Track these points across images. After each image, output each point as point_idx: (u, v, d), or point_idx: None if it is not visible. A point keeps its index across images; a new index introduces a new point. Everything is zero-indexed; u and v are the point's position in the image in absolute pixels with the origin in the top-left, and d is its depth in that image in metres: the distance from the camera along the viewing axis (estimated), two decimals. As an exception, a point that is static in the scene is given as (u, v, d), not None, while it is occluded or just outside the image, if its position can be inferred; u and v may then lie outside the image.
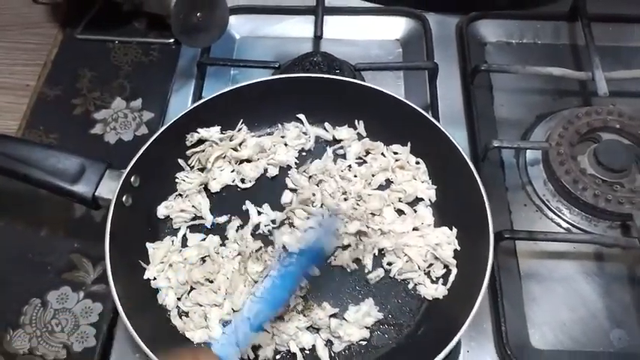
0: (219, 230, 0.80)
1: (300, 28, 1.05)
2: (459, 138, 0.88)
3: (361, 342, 0.72)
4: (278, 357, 0.72)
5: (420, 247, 0.77)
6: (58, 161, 0.74)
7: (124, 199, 0.74)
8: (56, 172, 0.73)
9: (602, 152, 0.86)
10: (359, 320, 0.72)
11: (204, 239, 0.79)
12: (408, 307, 0.75)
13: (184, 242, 0.79)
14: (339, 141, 0.87)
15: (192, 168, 0.84)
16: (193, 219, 0.81)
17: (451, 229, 0.78)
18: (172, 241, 0.78)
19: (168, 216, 0.81)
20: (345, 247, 0.78)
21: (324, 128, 0.88)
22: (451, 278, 0.75)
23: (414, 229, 0.79)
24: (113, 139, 0.95)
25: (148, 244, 0.76)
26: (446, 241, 0.77)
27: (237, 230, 0.80)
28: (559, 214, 0.86)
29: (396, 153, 0.85)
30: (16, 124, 0.96)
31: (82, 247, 0.84)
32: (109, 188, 0.73)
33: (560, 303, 0.80)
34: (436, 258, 0.77)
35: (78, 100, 0.99)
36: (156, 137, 0.78)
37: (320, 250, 0.70)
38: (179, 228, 0.81)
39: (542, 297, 0.80)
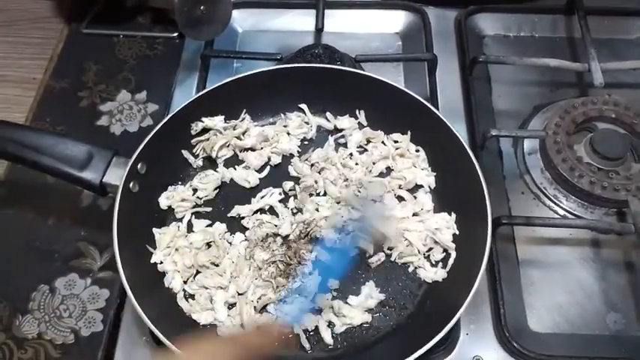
0: (225, 218, 0.82)
1: (302, 21, 1.07)
2: (458, 128, 0.89)
3: (363, 324, 0.74)
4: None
5: (420, 232, 0.78)
6: (67, 148, 0.75)
7: (130, 185, 0.76)
8: (64, 159, 0.75)
9: (598, 141, 0.88)
10: (362, 303, 0.74)
11: (210, 225, 0.81)
12: (408, 289, 0.77)
13: (190, 228, 0.81)
14: (341, 130, 0.89)
15: (196, 157, 0.86)
16: (195, 206, 0.83)
17: (450, 215, 0.80)
18: (178, 227, 0.80)
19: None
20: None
21: (326, 118, 0.90)
22: (450, 261, 0.77)
23: (414, 214, 0.81)
24: (119, 131, 0.96)
25: (154, 230, 0.78)
26: (445, 225, 0.79)
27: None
28: (556, 201, 0.88)
29: (396, 142, 0.87)
30: (23, 116, 0.98)
31: (89, 235, 0.86)
32: (116, 175, 0.75)
33: (557, 288, 0.81)
34: (436, 242, 0.78)
35: (84, 93, 1.01)
36: (162, 125, 0.80)
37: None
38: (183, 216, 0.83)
39: (539, 282, 0.82)
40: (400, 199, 0.83)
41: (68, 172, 0.75)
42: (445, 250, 0.78)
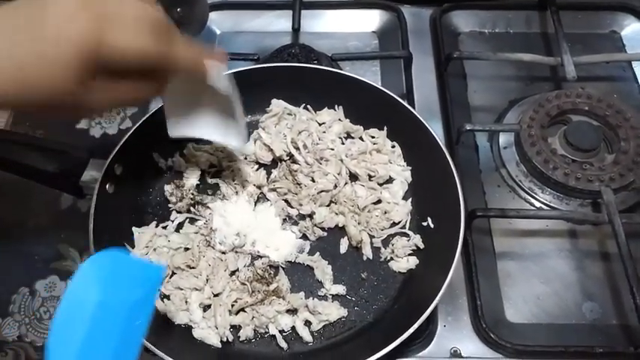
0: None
1: (279, 22, 1.08)
2: (434, 124, 0.91)
3: (340, 319, 0.74)
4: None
5: (378, 217, 0.81)
6: (43, 151, 0.75)
7: (107, 186, 0.76)
8: (41, 162, 0.75)
9: (572, 133, 0.89)
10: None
11: (196, 232, 0.80)
12: (384, 283, 0.77)
13: (178, 227, 0.81)
14: (321, 124, 0.89)
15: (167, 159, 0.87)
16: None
17: (426, 211, 0.82)
18: (158, 225, 0.81)
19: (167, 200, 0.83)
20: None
21: (307, 109, 0.90)
22: (417, 242, 0.79)
23: (377, 202, 0.83)
24: (98, 134, 0.97)
25: (134, 229, 0.78)
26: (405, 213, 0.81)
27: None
28: (532, 193, 0.89)
29: (373, 137, 0.88)
30: (3, 120, 0.98)
31: (69, 237, 0.86)
32: (92, 177, 0.75)
33: (534, 279, 0.82)
34: (404, 234, 0.80)
35: (63, 97, 1.01)
36: (137, 127, 0.80)
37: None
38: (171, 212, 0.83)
39: (516, 273, 0.83)
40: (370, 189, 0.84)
41: (44, 175, 0.75)
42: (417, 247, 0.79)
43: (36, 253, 0.85)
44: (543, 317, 0.79)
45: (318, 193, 0.81)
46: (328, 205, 0.82)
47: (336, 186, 0.82)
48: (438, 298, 0.67)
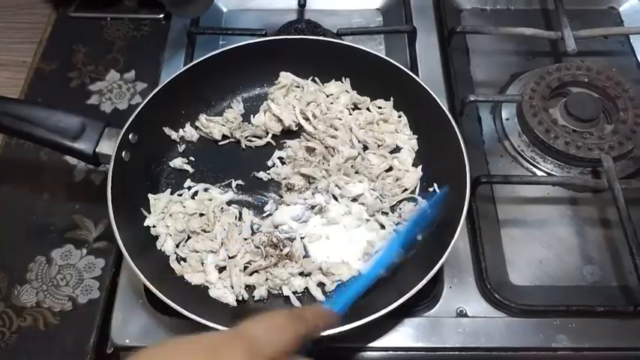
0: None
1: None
2: (439, 98, 0.92)
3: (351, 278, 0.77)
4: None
5: (390, 184, 0.83)
6: (60, 120, 0.77)
7: (122, 154, 0.78)
8: (58, 130, 0.76)
9: (572, 104, 0.92)
10: None
11: (210, 199, 0.83)
12: (392, 246, 0.80)
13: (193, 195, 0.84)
14: (329, 96, 0.92)
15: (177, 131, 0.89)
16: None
17: (432, 177, 0.84)
18: (172, 192, 0.83)
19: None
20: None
21: (315, 81, 0.93)
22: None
23: (388, 169, 0.86)
24: (109, 109, 0.99)
25: (150, 195, 0.80)
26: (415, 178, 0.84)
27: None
28: (534, 163, 0.91)
29: (380, 107, 0.90)
30: (15, 95, 1.00)
31: (83, 208, 0.88)
32: (108, 145, 0.77)
33: (536, 244, 0.85)
34: (411, 199, 0.83)
35: (74, 74, 1.03)
36: (151, 97, 0.82)
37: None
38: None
39: (519, 239, 0.85)
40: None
41: (62, 143, 0.77)
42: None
43: (51, 224, 0.86)
44: (545, 280, 0.82)
45: (345, 162, 0.83)
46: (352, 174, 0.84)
47: (359, 154, 0.85)
48: (444, 258, 0.70)
